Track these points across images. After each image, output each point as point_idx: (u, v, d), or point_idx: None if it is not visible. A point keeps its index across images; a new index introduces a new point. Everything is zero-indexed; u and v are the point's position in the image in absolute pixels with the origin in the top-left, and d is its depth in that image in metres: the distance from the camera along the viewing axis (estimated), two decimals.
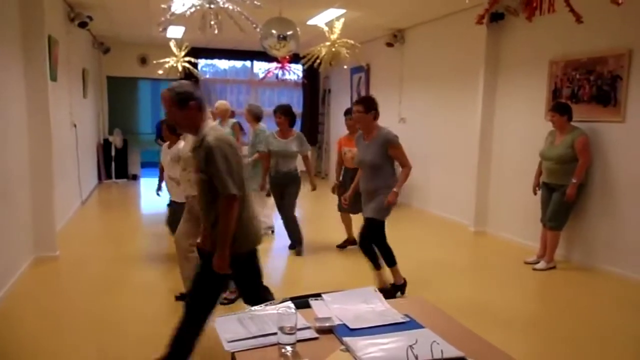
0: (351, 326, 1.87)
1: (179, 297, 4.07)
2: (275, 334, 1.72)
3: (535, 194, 5.54)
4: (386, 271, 4.40)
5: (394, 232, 7.29)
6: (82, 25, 7.47)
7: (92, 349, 3.38)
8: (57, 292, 4.49)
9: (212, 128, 2.67)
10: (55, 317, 3.87)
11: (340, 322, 1.91)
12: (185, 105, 2.61)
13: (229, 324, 1.90)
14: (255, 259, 2.85)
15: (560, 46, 5.70)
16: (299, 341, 1.72)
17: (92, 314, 3.93)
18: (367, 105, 4.24)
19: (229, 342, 1.77)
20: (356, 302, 2.12)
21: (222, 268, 2.64)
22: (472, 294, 4.69)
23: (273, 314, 1.89)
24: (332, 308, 2.07)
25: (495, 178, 6.86)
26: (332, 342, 1.78)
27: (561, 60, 5.68)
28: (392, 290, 4.26)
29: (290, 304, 2.05)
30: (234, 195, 2.56)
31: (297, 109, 11.19)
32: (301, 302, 2.11)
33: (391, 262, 4.37)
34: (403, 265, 5.33)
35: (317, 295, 2.19)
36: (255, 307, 2.06)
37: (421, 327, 1.87)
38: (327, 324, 1.88)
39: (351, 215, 5.88)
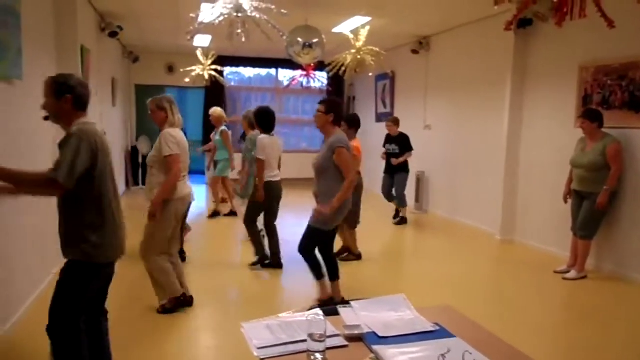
0: (380, 334, 1.85)
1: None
2: (304, 341, 1.72)
3: (565, 202, 5.44)
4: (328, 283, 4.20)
5: (419, 240, 7.30)
6: (113, 35, 7.64)
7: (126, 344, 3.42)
8: None
9: (84, 123, 2.54)
10: None
11: (370, 330, 1.89)
12: (61, 96, 2.52)
13: (257, 330, 1.90)
14: (99, 276, 2.63)
15: (590, 52, 5.60)
16: (328, 349, 1.71)
17: (126, 316, 3.98)
18: (328, 107, 4.03)
19: (259, 348, 1.77)
20: (385, 310, 2.10)
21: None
22: (500, 303, 4.61)
23: (302, 321, 1.89)
24: (361, 316, 2.05)
25: (523, 186, 6.75)
26: (362, 350, 1.76)
27: (591, 66, 5.58)
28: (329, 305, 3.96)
29: (318, 311, 2.05)
30: (55, 182, 2.37)
31: None
32: (329, 310, 2.10)
33: (333, 275, 4.16)
34: (429, 273, 5.28)
35: (346, 303, 2.18)
36: (283, 314, 2.06)
37: (452, 336, 1.84)
38: (356, 332, 1.86)
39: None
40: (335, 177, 3.96)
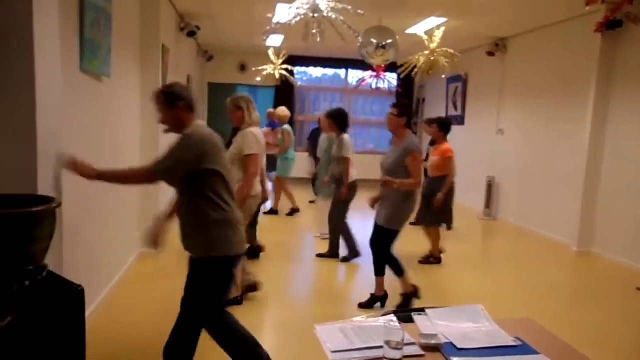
0: (459, 345, 1.80)
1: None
2: (380, 347, 1.69)
3: None
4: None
5: (489, 248, 7.06)
6: (191, 34, 7.91)
7: None
8: (159, 284, 4.76)
9: (196, 126, 2.66)
10: (157, 307, 4.09)
11: (447, 341, 1.84)
12: (174, 105, 2.64)
13: (331, 334, 1.89)
14: (225, 269, 2.70)
15: None
16: (404, 357, 1.67)
17: None
18: (401, 110, 4.11)
19: (333, 352, 1.76)
20: (462, 320, 2.03)
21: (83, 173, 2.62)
22: (577, 319, 4.37)
23: (378, 327, 1.86)
24: (437, 324, 2.00)
25: (604, 195, 6.38)
26: None
27: None
28: (405, 300, 4.22)
29: (393, 317, 2.01)
30: (154, 175, 2.57)
31: None
32: (404, 316, 2.06)
33: (399, 271, 4.23)
34: (500, 285, 5.10)
35: (421, 310, 2.13)
36: (357, 318, 2.05)
37: (535, 352, 1.76)
38: (433, 342, 1.81)
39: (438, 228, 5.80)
40: (403, 179, 4.00)
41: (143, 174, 2.65)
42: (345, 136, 5.58)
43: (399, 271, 4.24)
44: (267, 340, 3.71)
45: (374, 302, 4.36)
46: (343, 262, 5.66)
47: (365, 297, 4.40)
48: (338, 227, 5.70)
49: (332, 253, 5.77)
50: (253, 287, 4.39)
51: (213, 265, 2.66)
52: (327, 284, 5.15)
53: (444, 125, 5.71)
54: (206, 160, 2.56)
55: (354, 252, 5.70)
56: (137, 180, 2.79)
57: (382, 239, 4.21)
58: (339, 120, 5.63)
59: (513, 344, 1.83)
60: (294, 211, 8.19)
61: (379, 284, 4.36)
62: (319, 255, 5.80)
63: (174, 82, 2.84)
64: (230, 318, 2.84)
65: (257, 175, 4.01)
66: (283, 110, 8.10)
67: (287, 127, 7.99)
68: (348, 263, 5.66)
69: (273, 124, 8.30)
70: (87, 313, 3.57)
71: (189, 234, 2.70)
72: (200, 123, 2.72)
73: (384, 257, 4.27)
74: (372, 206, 4.27)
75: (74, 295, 1.90)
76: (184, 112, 2.66)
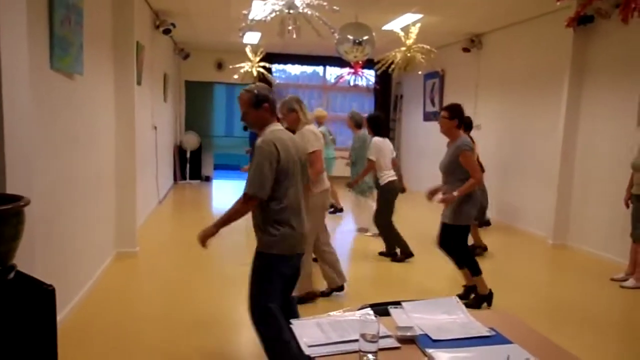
0: (434, 337, 1.81)
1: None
2: (356, 340, 1.69)
3: (627, 207, 5.17)
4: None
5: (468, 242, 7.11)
6: (166, 32, 7.83)
7: (164, 339, 3.50)
8: (136, 286, 4.71)
9: (272, 131, 2.81)
10: (134, 308, 4.05)
11: (422, 333, 1.85)
12: (259, 106, 2.81)
13: (308, 328, 1.89)
14: (278, 267, 2.81)
15: None
16: (380, 350, 1.68)
17: (166, 308, 4.08)
18: (452, 113, 4.34)
19: (309, 346, 1.75)
20: (437, 312, 2.05)
21: (199, 237, 2.82)
22: (552, 310, 4.45)
23: (353, 320, 1.87)
24: (412, 317, 2.01)
25: (578, 189, 6.50)
26: (414, 353, 1.72)
27: None
28: (476, 301, 4.23)
29: (369, 310, 2.02)
30: (252, 197, 2.69)
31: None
32: (380, 310, 2.07)
33: (474, 271, 4.31)
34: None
35: (397, 304, 2.14)
36: (334, 313, 2.05)
37: (509, 342, 1.78)
38: (408, 334, 1.82)
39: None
40: (460, 177, 4.20)
41: (243, 201, 2.72)
42: (374, 139, 5.80)
43: (476, 270, 4.29)
44: None
45: (481, 301, 4.21)
46: (397, 262, 5.71)
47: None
48: (384, 229, 5.82)
49: (389, 252, 5.86)
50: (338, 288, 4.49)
51: (262, 260, 2.81)
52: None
53: (466, 125, 5.78)
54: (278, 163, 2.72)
55: (406, 253, 5.74)
56: (244, 209, 2.74)
57: (453, 237, 4.32)
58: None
59: (487, 334, 1.85)
60: (336, 210, 8.31)
61: (481, 284, 4.30)
62: (382, 254, 5.90)
63: (259, 84, 2.93)
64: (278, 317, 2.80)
65: (322, 171, 4.14)
66: (319, 111, 8.34)
67: (322, 128, 7.94)
68: (404, 262, 5.70)
69: None
70: (62, 314, 3.53)
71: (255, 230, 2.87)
72: (276, 127, 2.86)
73: (461, 255, 4.38)
74: (430, 198, 4.49)
75: (44, 296, 1.85)
76: (267, 113, 2.83)
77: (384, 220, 5.78)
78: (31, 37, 2.54)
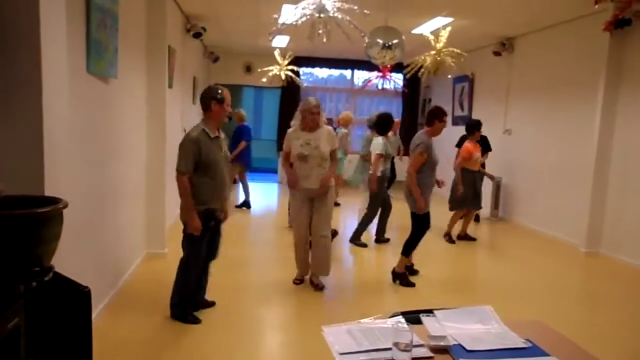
0: (468, 347, 1.78)
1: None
2: (389, 349, 1.67)
3: None
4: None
5: (497, 249, 7.02)
6: (197, 35, 7.92)
7: (193, 338, 3.53)
8: (165, 286, 4.75)
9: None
10: (164, 309, 4.09)
11: (456, 343, 1.82)
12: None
13: (339, 335, 1.88)
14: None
15: None
16: (413, 359, 1.65)
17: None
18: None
19: (341, 354, 1.74)
20: (471, 322, 2.01)
21: None
22: (587, 321, 4.33)
23: (386, 328, 1.85)
24: (445, 326, 1.98)
25: (613, 196, 6.33)
26: None
27: None
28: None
29: (401, 318, 1.99)
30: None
31: (397, 118, 11.09)
32: (412, 318, 2.04)
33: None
34: (509, 286, 5.07)
35: (429, 312, 2.10)
36: (365, 320, 2.03)
37: (546, 354, 1.73)
38: (442, 343, 1.79)
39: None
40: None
41: None
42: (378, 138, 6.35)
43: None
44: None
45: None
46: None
47: None
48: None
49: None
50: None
51: None
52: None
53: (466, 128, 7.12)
54: None
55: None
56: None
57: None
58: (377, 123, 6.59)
59: (523, 345, 1.81)
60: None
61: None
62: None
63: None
64: None
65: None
66: (345, 114, 8.87)
67: (342, 130, 8.58)
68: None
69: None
70: (94, 314, 3.59)
71: None
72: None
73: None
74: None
75: (80, 297, 1.89)
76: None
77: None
78: (69, 41, 2.59)
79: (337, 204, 8.99)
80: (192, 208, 3.63)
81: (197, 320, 3.85)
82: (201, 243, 3.77)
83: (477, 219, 8.03)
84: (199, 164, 3.62)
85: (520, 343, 1.82)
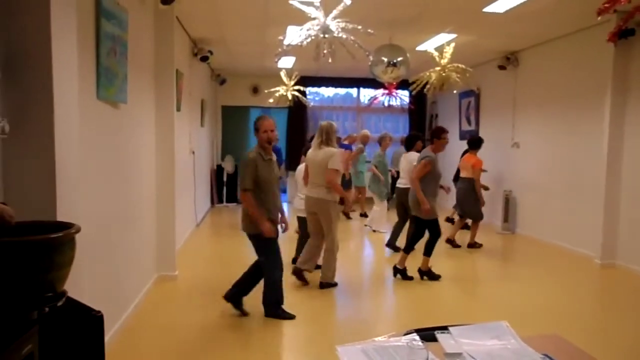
0: None
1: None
2: None
3: None
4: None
5: (509, 263, 6.95)
6: (204, 59, 8.02)
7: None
8: (177, 308, 4.75)
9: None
10: (176, 331, 4.07)
11: (473, 359, 1.79)
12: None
13: (353, 355, 1.86)
14: None
15: None
16: None
17: (207, 330, 4.09)
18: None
19: None
20: (487, 338, 1.98)
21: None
22: (606, 334, 4.25)
23: (401, 347, 1.83)
24: (461, 343, 1.95)
25: (626, 206, 6.26)
26: None
27: None
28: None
29: (415, 336, 1.97)
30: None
31: (403, 134, 11.10)
32: (427, 335, 2.01)
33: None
34: (524, 300, 5.01)
35: (444, 328, 2.08)
36: (379, 338, 2.01)
37: None
38: None
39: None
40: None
41: None
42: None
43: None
44: None
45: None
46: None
47: None
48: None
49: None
50: None
51: None
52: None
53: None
54: None
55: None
56: None
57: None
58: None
59: None
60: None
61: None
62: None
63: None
64: None
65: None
66: (364, 132, 9.69)
67: (359, 145, 9.57)
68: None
69: (343, 145, 9.31)
70: (107, 337, 3.58)
71: None
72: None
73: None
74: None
75: (93, 322, 1.89)
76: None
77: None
78: (79, 69, 2.64)
79: (348, 217, 9.94)
80: (263, 216, 4.14)
81: (291, 316, 4.31)
82: (276, 244, 4.33)
83: (466, 226, 8.07)
84: (257, 182, 4.16)
85: (538, 359, 1.80)
